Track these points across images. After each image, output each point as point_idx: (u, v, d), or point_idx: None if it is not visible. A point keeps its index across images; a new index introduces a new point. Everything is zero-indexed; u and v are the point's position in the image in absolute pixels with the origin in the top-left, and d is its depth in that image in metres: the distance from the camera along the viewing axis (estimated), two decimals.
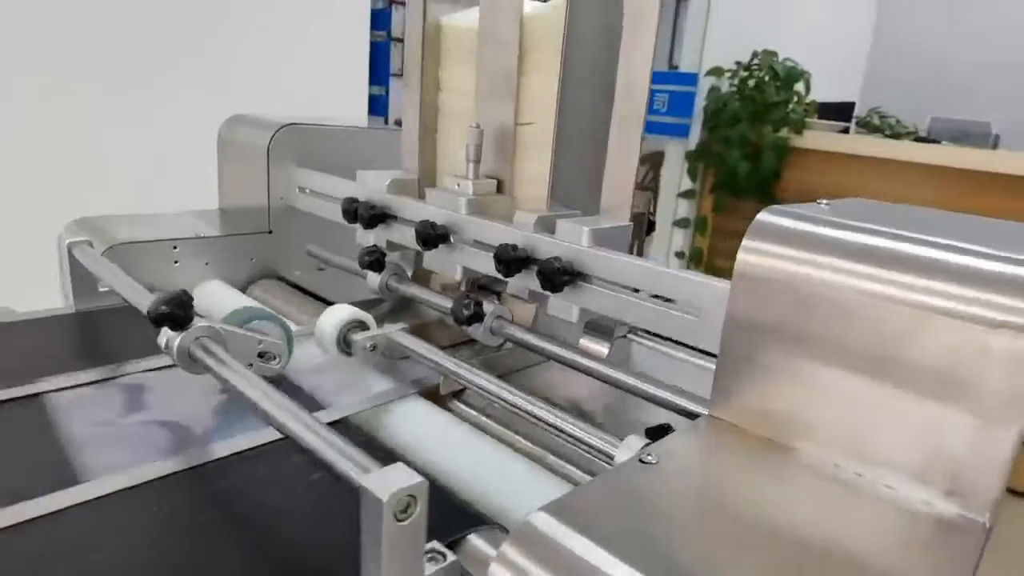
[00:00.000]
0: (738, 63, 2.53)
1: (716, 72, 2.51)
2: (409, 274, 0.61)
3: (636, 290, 0.42)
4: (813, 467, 0.31)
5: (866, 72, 3.94)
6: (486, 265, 0.50)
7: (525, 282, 0.47)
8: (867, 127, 3.38)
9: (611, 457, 0.35)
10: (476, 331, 0.49)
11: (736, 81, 2.53)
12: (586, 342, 0.51)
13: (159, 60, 1.16)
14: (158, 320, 0.39)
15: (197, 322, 0.41)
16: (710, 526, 0.27)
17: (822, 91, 2.68)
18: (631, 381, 0.42)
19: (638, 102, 0.46)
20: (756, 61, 2.52)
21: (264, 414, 0.35)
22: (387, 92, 2.11)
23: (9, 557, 0.31)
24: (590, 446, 0.36)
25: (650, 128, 2.80)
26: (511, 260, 0.46)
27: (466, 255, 0.52)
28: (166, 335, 0.40)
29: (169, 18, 1.16)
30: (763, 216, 0.34)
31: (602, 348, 0.51)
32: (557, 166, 0.51)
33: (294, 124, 0.71)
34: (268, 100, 1.31)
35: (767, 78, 2.52)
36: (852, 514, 0.29)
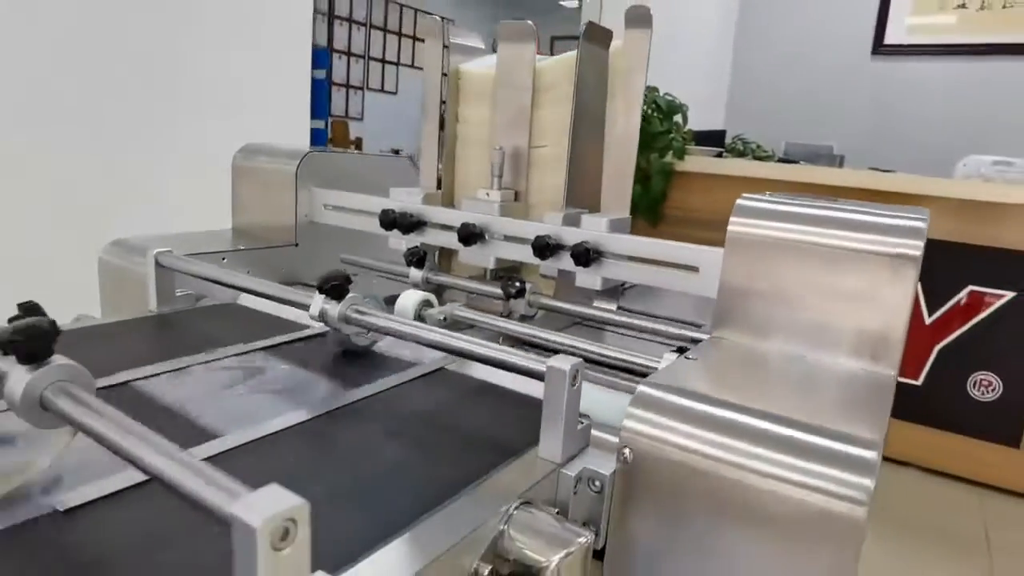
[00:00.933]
0: None
1: None
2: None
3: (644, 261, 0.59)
4: (788, 353, 0.49)
5: (727, 104, 4.44)
6: (517, 254, 0.65)
7: (555, 263, 0.63)
8: (733, 152, 3.82)
9: (652, 369, 0.51)
10: (519, 304, 0.64)
11: None
12: (600, 303, 0.67)
13: (133, 94, 1.21)
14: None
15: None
16: (742, 380, 0.44)
17: (695, 121, 3.04)
18: (647, 324, 0.58)
19: (632, 125, 0.63)
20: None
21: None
22: (326, 125, 2.20)
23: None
24: (636, 363, 0.52)
25: None
26: (545, 247, 0.62)
27: (499, 248, 0.67)
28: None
29: (133, 54, 1.22)
30: (741, 201, 0.52)
31: (611, 306, 0.67)
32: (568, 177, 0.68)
33: (314, 152, 0.83)
34: (223, 133, 1.39)
35: (651, 111, 2.84)
36: (818, 376, 0.47)
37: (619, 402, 0.42)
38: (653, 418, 0.39)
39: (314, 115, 1.60)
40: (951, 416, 2.44)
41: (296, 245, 0.83)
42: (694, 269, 0.56)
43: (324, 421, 0.45)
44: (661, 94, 2.86)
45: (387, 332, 0.49)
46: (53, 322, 0.32)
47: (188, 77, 1.31)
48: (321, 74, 2.24)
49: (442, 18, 0.74)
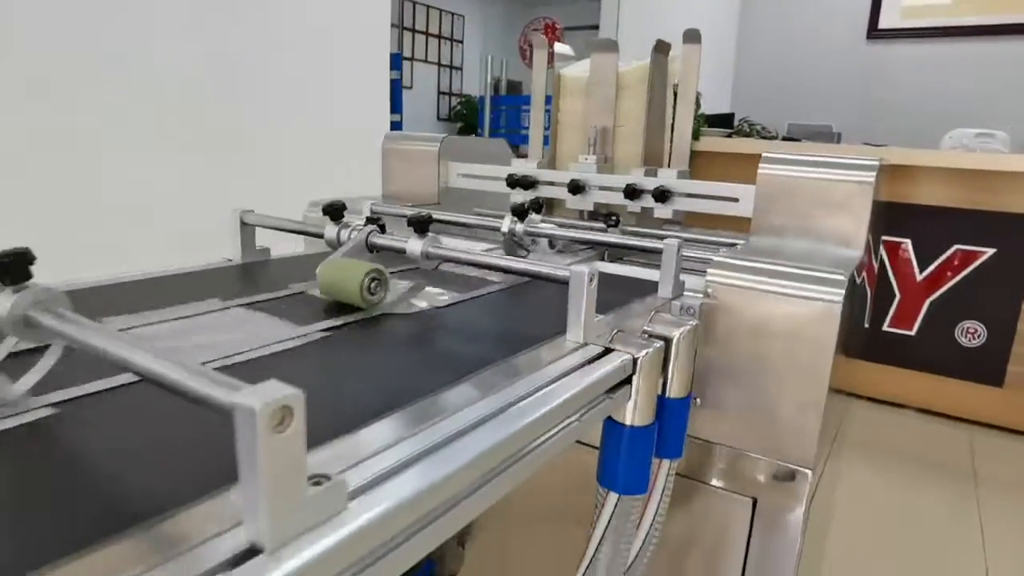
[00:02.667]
0: None
1: None
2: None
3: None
4: (796, 244, 0.80)
5: (733, 89, 4.73)
6: (609, 198, 0.97)
7: (638, 203, 0.95)
8: (741, 133, 4.12)
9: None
10: (614, 232, 0.95)
11: None
12: (668, 228, 0.98)
13: (222, 102, 1.52)
14: None
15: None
16: (769, 255, 0.75)
17: (706, 106, 3.34)
18: (704, 236, 0.89)
19: (689, 110, 0.94)
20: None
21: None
22: (401, 118, 2.50)
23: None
24: (696, 256, 0.83)
25: None
26: (633, 191, 0.93)
27: (596, 195, 0.99)
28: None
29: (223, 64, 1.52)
30: (766, 154, 0.83)
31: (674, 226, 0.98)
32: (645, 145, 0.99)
33: (449, 136, 1.15)
34: (331, 124, 1.71)
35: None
36: (814, 253, 0.78)
37: (692, 280, 0.73)
38: (723, 272, 0.70)
39: (392, 110, 1.91)
40: (942, 361, 2.72)
41: (438, 204, 1.15)
42: (735, 200, 0.88)
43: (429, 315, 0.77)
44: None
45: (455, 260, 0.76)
46: (28, 249, 0.36)
47: (302, 81, 1.62)
48: (395, 75, 2.56)
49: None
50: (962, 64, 3.82)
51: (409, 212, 0.67)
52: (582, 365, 0.50)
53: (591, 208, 1.00)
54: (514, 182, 1.04)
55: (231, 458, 0.24)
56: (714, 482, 0.74)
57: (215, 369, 0.30)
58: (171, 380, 0.29)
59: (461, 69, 6.41)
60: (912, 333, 2.74)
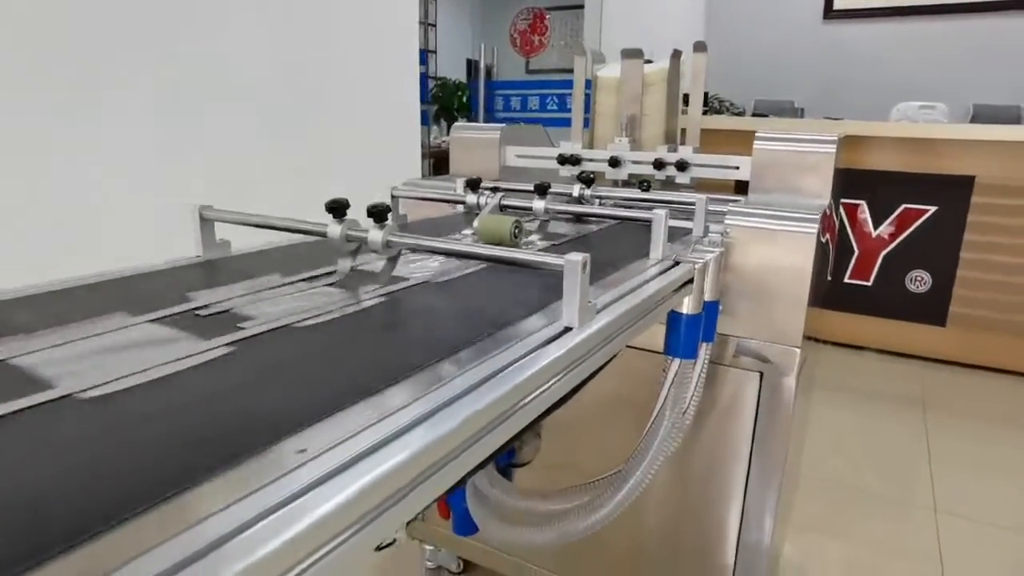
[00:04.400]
0: None
1: None
2: None
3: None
4: (783, 199, 1.13)
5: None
6: (640, 169, 1.29)
7: (663, 172, 1.27)
8: (712, 110, 4.47)
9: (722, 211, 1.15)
10: (646, 192, 1.27)
11: None
12: (685, 191, 1.30)
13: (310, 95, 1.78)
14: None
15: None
16: (764, 206, 1.08)
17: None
18: (715, 196, 1.22)
19: (698, 102, 1.27)
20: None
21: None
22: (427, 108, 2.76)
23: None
24: (714, 209, 1.15)
25: (565, 123, 3.65)
26: (660, 163, 1.25)
27: (629, 168, 1.30)
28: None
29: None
30: (759, 133, 1.15)
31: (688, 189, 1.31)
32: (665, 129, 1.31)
33: (505, 126, 1.45)
34: (371, 113, 1.99)
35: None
36: (799, 203, 1.10)
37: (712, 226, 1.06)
38: (738, 219, 1.03)
39: (421, 101, 2.20)
40: (894, 307, 3.11)
41: (499, 179, 1.45)
42: (736, 168, 1.20)
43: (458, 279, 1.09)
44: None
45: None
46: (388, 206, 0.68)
47: (343, 78, 1.90)
48: (423, 68, 2.83)
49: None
50: (907, 42, 4.21)
51: (517, 185, 0.99)
52: (661, 273, 0.82)
53: (625, 178, 1.31)
54: (564, 159, 1.35)
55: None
56: (733, 363, 1.08)
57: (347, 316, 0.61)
58: (513, 258, 0.60)
59: (435, 52, 6.64)
60: (869, 284, 3.13)
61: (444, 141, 4.91)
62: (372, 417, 0.39)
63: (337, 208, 0.68)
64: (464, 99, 5.12)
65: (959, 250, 2.94)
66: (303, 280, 0.70)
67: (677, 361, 0.91)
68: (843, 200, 3.06)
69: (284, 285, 0.68)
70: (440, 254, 0.78)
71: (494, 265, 0.80)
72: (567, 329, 0.57)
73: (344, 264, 0.71)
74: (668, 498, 1.21)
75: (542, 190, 0.93)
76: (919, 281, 3.06)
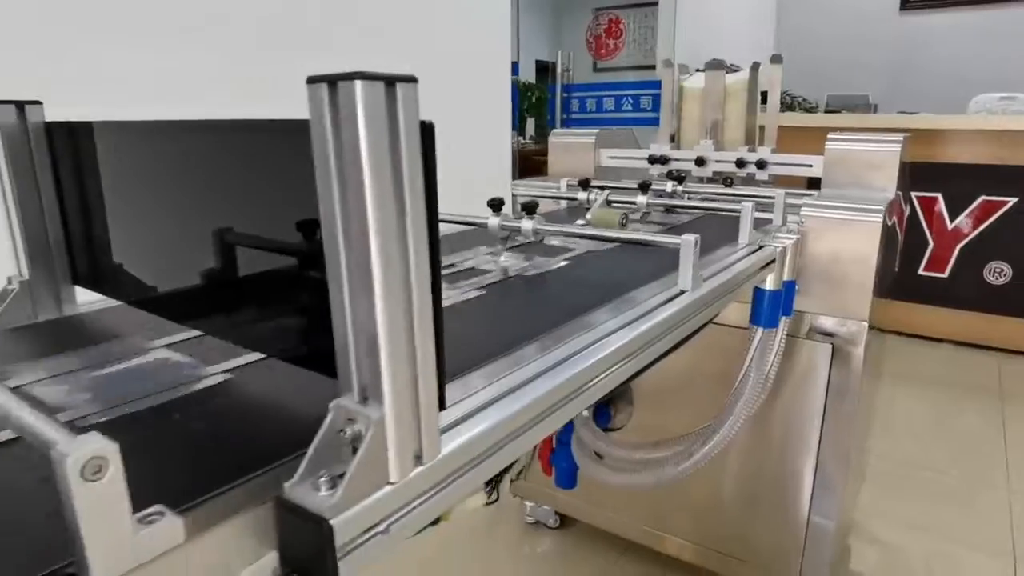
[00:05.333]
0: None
1: None
2: None
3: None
4: (854, 192, 1.28)
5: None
6: (723, 167, 1.46)
7: (743, 170, 1.43)
8: (784, 106, 4.52)
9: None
10: (729, 187, 1.44)
11: None
12: (764, 187, 1.46)
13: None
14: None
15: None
16: (837, 198, 1.23)
17: None
18: (792, 190, 1.38)
19: (775, 107, 1.43)
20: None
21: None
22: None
23: None
24: (791, 203, 1.31)
25: (637, 122, 3.82)
26: (742, 162, 1.42)
27: (714, 165, 1.48)
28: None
29: None
30: (831, 135, 1.31)
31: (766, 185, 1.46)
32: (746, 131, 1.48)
33: (601, 129, 1.64)
34: (475, 119, 2.22)
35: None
36: (868, 196, 1.25)
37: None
38: (813, 210, 1.19)
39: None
40: (972, 298, 3.12)
41: (593, 178, 1.65)
42: (810, 166, 1.36)
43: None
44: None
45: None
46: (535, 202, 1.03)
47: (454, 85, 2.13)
48: (515, 79, 3.07)
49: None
50: (989, 31, 4.16)
51: (618, 184, 1.18)
52: (749, 254, 1.00)
53: (710, 175, 1.49)
54: (654, 160, 1.54)
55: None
56: (808, 336, 1.24)
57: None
58: (639, 239, 0.80)
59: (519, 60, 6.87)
60: (945, 275, 3.15)
61: (516, 142, 5.12)
62: (556, 342, 0.59)
63: (496, 204, 0.89)
64: (533, 99, 5.32)
65: None
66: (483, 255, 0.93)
67: (760, 330, 1.09)
68: (918, 193, 3.10)
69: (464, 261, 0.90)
70: (581, 238, 0.98)
71: (607, 250, 1.00)
72: (681, 292, 0.76)
73: (500, 248, 0.93)
74: (748, 457, 1.38)
75: (644, 187, 1.12)
76: (998, 273, 3.06)
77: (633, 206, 1.16)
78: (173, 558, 0.32)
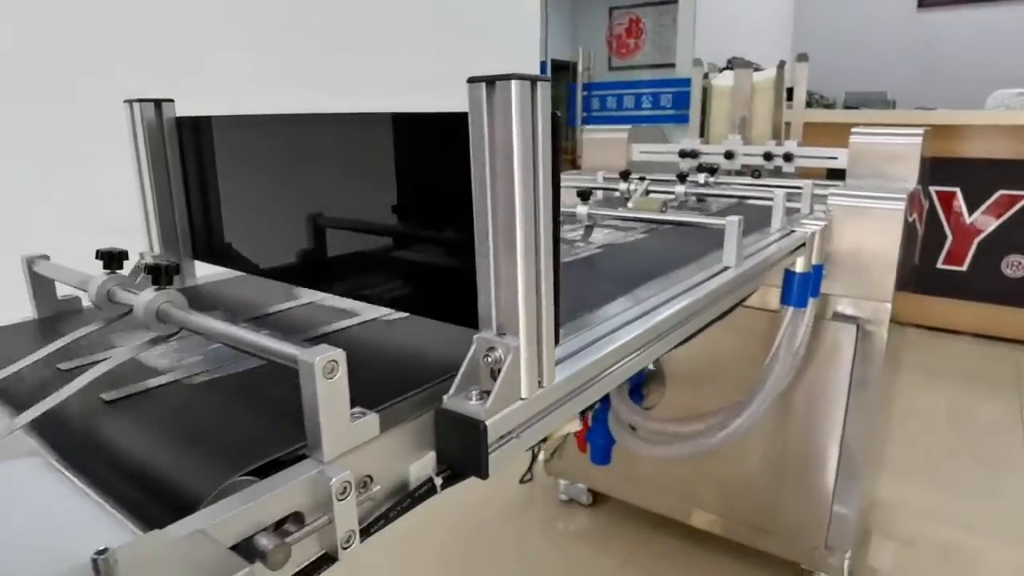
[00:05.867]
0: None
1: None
2: None
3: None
4: (875, 183, 1.36)
5: (791, 61, 5.15)
6: (751, 160, 1.54)
7: (771, 163, 1.52)
8: None
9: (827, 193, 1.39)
10: (758, 179, 1.52)
11: None
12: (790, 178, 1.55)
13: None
14: None
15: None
16: (860, 188, 1.31)
17: None
18: (818, 181, 1.46)
19: (800, 104, 1.51)
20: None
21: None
22: None
23: None
24: (819, 193, 1.40)
25: (658, 120, 3.89)
26: (770, 156, 1.51)
27: (742, 159, 1.56)
28: None
29: None
30: (854, 130, 1.39)
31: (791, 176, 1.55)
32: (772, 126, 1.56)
33: (636, 126, 1.73)
34: None
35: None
36: (886, 186, 1.34)
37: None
38: (839, 200, 1.28)
39: None
40: (990, 292, 3.17)
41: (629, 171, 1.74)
42: (834, 158, 1.44)
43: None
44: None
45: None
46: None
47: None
48: None
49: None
50: (1007, 27, 4.20)
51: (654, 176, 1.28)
52: (781, 238, 1.09)
53: (738, 168, 1.57)
54: (684, 154, 1.62)
55: None
56: (835, 317, 1.32)
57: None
58: (691, 222, 0.90)
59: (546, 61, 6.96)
60: (963, 269, 3.20)
61: None
62: (635, 300, 0.69)
63: (584, 194, 0.99)
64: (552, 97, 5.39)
65: None
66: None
67: (790, 310, 1.17)
68: (937, 188, 3.16)
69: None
70: (637, 222, 1.08)
71: (651, 232, 1.09)
72: (726, 268, 0.85)
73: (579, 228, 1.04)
74: (776, 433, 1.47)
75: (682, 177, 1.21)
76: (1016, 266, 3.11)
77: (672, 195, 1.25)
78: (371, 447, 0.41)
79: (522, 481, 1.93)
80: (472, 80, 0.42)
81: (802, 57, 1.43)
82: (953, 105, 3.56)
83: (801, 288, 1.16)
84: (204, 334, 0.47)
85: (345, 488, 0.37)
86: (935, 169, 3.10)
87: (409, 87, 1.90)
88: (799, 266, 1.15)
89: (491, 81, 0.41)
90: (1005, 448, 2.20)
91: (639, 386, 1.59)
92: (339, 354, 0.38)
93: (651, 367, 1.55)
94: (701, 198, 1.39)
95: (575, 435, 1.66)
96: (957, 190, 3.13)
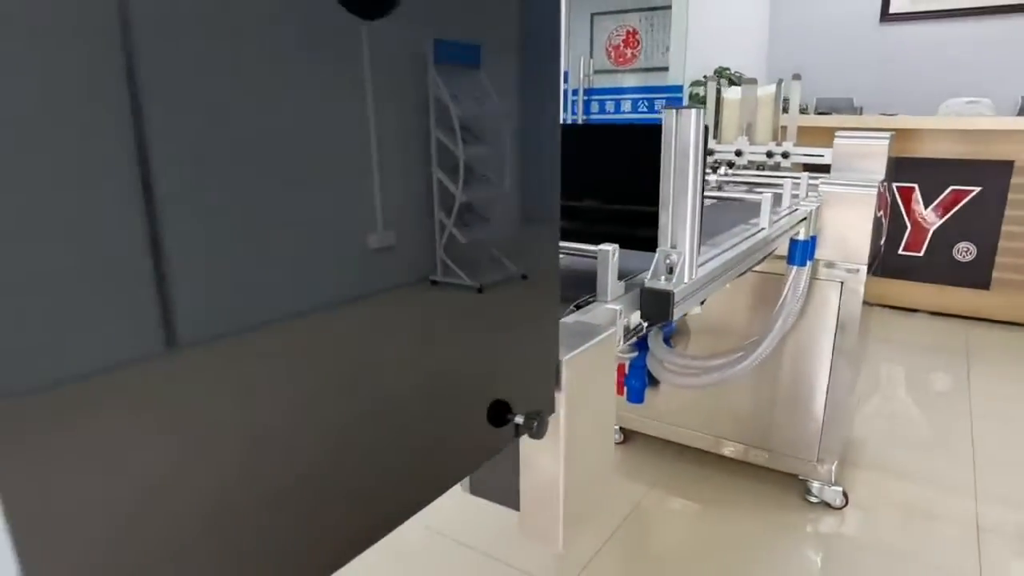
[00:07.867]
0: (706, 76, 4.06)
1: (697, 83, 4.04)
2: None
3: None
4: (856, 175, 1.78)
5: (768, 70, 5.62)
6: (757, 157, 1.95)
7: (772, 160, 1.93)
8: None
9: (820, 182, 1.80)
10: (762, 171, 1.93)
11: None
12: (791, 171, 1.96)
13: None
14: None
15: None
16: (843, 176, 1.73)
17: None
18: (811, 174, 1.87)
19: (795, 112, 1.93)
20: (718, 74, 4.07)
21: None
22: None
23: None
24: (814, 183, 1.80)
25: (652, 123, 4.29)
26: (771, 153, 1.92)
27: (750, 156, 1.97)
28: None
29: None
30: (838, 132, 1.80)
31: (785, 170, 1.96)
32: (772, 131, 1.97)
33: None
34: None
35: (728, 83, 4.07)
36: (865, 177, 1.75)
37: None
38: (829, 187, 1.68)
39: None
40: (943, 274, 3.62)
41: None
42: (822, 156, 1.86)
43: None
44: (733, 71, 4.09)
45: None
46: None
47: None
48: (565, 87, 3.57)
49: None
50: (960, 40, 4.69)
51: None
52: (790, 213, 1.49)
53: (745, 164, 1.98)
54: None
55: None
56: (826, 277, 1.73)
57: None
58: (730, 197, 1.30)
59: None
60: (920, 254, 3.66)
61: None
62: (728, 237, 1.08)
63: None
64: None
65: (1001, 224, 3.43)
66: None
67: (795, 268, 1.58)
68: (898, 184, 3.62)
69: None
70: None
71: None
72: (761, 229, 1.25)
73: None
74: (778, 369, 1.87)
75: (714, 168, 1.61)
76: (965, 251, 3.56)
77: (708, 182, 1.65)
78: (621, 300, 0.80)
79: None
80: (666, 107, 0.81)
81: (796, 76, 1.84)
82: (912, 111, 4.04)
83: (802, 252, 1.57)
84: None
85: (619, 312, 0.76)
86: (897, 168, 3.59)
87: None
88: (801, 235, 1.55)
89: (677, 109, 0.80)
90: (952, 405, 2.63)
91: (668, 337, 1.99)
92: (615, 247, 0.76)
93: (674, 325, 1.95)
94: (720, 186, 1.79)
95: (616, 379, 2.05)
96: (916, 186, 3.58)
